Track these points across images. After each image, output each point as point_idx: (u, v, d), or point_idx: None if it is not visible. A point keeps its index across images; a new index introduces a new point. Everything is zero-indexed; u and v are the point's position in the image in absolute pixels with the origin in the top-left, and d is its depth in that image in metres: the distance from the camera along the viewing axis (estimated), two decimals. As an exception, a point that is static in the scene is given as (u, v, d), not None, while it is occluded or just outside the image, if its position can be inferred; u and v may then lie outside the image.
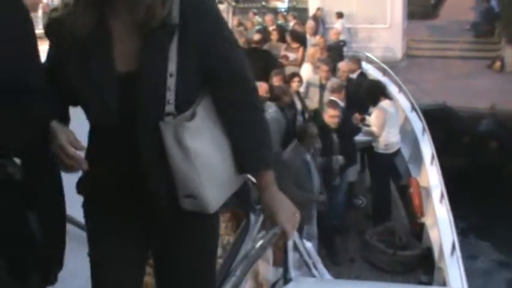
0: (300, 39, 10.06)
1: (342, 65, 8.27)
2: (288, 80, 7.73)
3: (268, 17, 12.49)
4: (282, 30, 10.59)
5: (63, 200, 1.76)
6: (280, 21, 14.04)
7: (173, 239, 1.78)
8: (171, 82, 1.56)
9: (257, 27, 12.48)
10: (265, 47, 9.93)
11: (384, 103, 7.05)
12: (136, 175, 1.62)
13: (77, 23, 1.54)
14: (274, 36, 9.97)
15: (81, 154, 1.69)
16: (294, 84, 7.30)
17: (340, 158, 6.33)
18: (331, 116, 6.26)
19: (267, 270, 3.52)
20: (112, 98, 1.58)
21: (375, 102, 7.09)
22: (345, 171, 6.81)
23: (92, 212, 1.79)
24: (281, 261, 3.37)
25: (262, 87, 6.53)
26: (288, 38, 9.80)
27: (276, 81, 7.08)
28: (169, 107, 1.57)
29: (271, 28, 11.21)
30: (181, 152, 1.58)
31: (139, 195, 1.66)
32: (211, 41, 1.62)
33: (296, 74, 7.88)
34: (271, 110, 6.54)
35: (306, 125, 6.28)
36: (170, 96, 1.57)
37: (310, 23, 11.78)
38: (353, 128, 6.97)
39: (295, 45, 9.66)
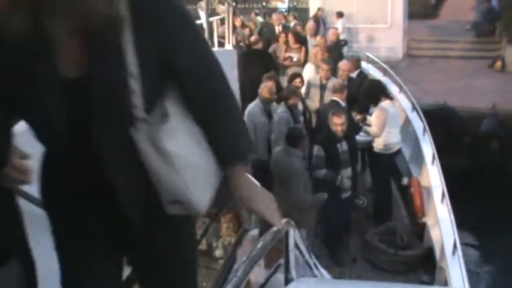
0: (301, 40, 10.09)
1: (342, 65, 8.27)
2: (289, 80, 7.76)
3: (275, 17, 12.62)
4: (287, 32, 10.61)
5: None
6: (282, 21, 14.05)
7: (147, 250, 1.71)
8: (135, 84, 1.41)
9: (258, 29, 12.51)
10: (271, 48, 9.98)
11: (385, 103, 7.04)
12: (103, 186, 1.50)
13: (9, 28, 1.29)
14: (282, 38, 9.96)
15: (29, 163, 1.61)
16: (296, 85, 7.34)
17: (349, 171, 6.02)
18: (336, 124, 5.96)
19: (258, 273, 3.51)
20: (58, 109, 1.40)
21: (375, 102, 7.08)
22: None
23: (59, 213, 1.65)
24: (273, 263, 3.38)
25: (267, 88, 6.60)
26: (290, 39, 9.81)
27: (264, 86, 7.07)
28: (138, 112, 1.43)
29: (277, 29, 11.29)
30: (161, 158, 1.47)
31: (106, 205, 1.55)
32: (173, 38, 1.49)
33: (298, 75, 7.91)
34: (280, 110, 6.61)
35: (300, 128, 6.14)
36: (137, 99, 1.42)
37: (309, 24, 11.81)
38: (354, 127, 6.96)
39: (295, 45, 9.69)
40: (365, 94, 7.43)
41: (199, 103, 1.58)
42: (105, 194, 1.51)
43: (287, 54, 9.66)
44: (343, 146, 6.02)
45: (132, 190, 1.52)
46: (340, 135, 5.96)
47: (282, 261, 3.26)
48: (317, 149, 6.00)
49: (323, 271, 3.88)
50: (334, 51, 10.14)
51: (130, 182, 1.51)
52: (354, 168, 6.24)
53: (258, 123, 6.50)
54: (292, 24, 13.64)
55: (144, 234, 1.62)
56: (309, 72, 8.41)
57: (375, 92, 7.17)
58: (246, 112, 6.55)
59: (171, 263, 1.76)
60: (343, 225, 6.55)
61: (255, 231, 3.81)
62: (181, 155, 1.50)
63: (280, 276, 3.35)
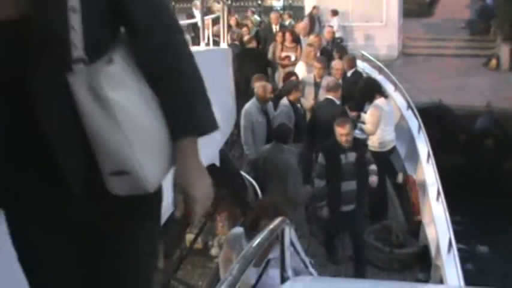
0: (297, 39, 10.11)
1: (336, 63, 8.26)
2: (284, 79, 7.78)
3: (273, 15, 12.51)
4: (284, 31, 10.61)
5: None
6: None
7: (93, 237, 1.42)
8: (75, 19, 1.20)
9: (255, 29, 12.45)
10: (270, 47, 9.98)
11: (379, 101, 7.06)
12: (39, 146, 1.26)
13: None
14: (280, 37, 9.97)
15: None
16: (286, 87, 7.36)
17: (351, 184, 5.78)
18: (341, 135, 5.71)
19: (247, 273, 3.51)
20: None
21: (370, 100, 7.11)
22: None
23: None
24: (261, 262, 3.38)
25: (262, 87, 6.63)
26: (287, 38, 9.81)
27: (259, 83, 7.10)
28: (78, 52, 1.21)
29: (274, 28, 11.26)
30: (100, 107, 1.22)
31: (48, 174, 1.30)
32: None
33: (293, 73, 7.93)
34: (281, 104, 6.65)
35: (286, 124, 6.17)
36: (76, 37, 1.21)
37: (302, 24, 11.81)
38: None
39: (291, 45, 9.69)
40: (360, 92, 7.45)
41: (150, 57, 1.33)
42: (43, 156, 1.26)
43: (284, 54, 9.66)
44: (348, 158, 5.71)
45: (70, 147, 1.26)
46: (345, 146, 5.71)
47: (271, 256, 3.26)
48: (321, 157, 5.90)
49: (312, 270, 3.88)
50: (331, 49, 10.17)
51: (68, 136, 1.26)
52: (362, 181, 5.84)
53: (255, 122, 6.52)
54: (287, 22, 13.64)
55: (88, 214, 1.36)
56: (300, 71, 8.41)
57: (370, 90, 7.19)
58: (243, 111, 6.57)
59: (117, 260, 1.45)
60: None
61: (238, 229, 3.81)
62: (125, 107, 1.24)
63: (271, 272, 3.34)
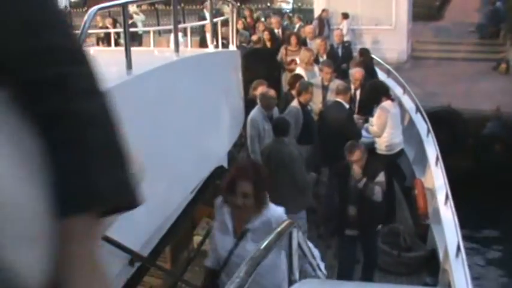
0: (302, 42, 10.13)
1: (355, 72, 8.12)
2: (290, 82, 7.78)
3: (274, 20, 12.45)
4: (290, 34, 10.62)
5: None
6: (286, 22, 14.06)
7: None
8: None
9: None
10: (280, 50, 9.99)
11: (386, 103, 7.08)
12: None
13: None
14: (294, 40, 9.95)
15: None
16: (297, 88, 7.34)
17: (354, 209, 5.57)
18: (351, 161, 5.55)
19: (224, 242, 3.50)
20: None
21: (377, 103, 7.13)
22: None
23: None
24: (239, 233, 3.39)
25: (271, 92, 6.66)
26: (292, 41, 9.80)
27: (260, 90, 7.08)
28: None
29: (276, 32, 11.24)
30: None
31: None
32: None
33: (300, 76, 7.93)
34: (292, 105, 6.68)
35: (283, 117, 6.33)
36: None
37: (308, 27, 11.77)
38: (356, 133, 6.95)
39: (295, 48, 9.67)
40: (366, 95, 7.44)
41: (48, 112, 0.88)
42: None
43: (289, 58, 9.65)
44: (358, 184, 5.49)
45: None
46: (357, 174, 5.50)
47: (249, 227, 3.31)
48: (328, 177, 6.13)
49: (320, 273, 3.87)
50: (337, 53, 10.17)
51: None
52: (366, 208, 5.56)
53: (261, 130, 6.51)
54: (297, 26, 13.66)
55: None
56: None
57: (376, 93, 7.20)
58: (250, 120, 6.55)
59: None
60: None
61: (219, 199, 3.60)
62: None
63: (249, 246, 3.25)
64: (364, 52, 9.99)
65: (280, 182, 5.52)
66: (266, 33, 11.13)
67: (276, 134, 5.94)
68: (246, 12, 13.76)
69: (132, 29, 11.20)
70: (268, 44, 10.69)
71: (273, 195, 5.43)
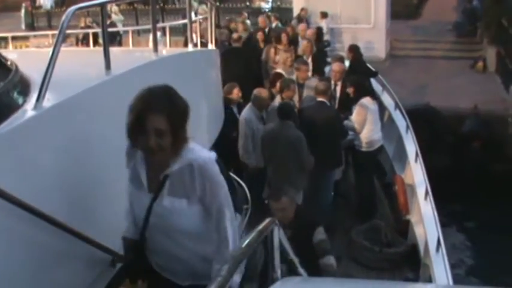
0: (293, 41, 10.13)
1: (336, 66, 8.21)
2: (271, 81, 7.80)
3: (261, 19, 12.52)
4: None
5: None
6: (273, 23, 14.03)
7: None
8: None
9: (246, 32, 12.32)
10: (265, 50, 9.96)
11: (365, 100, 7.14)
12: None
13: None
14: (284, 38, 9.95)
15: None
16: (279, 85, 7.38)
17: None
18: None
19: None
20: None
21: (356, 100, 7.20)
22: (332, 172, 6.89)
23: None
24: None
25: (264, 92, 6.87)
26: (283, 41, 9.76)
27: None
28: None
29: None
30: None
31: None
32: None
33: (280, 74, 7.96)
34: (275, 102, 6.84)
35: (288, 103, 6.76)
36: None
37: (303, 25, 11.76)
38: (343, 131, 6.99)
39: (284, 47, 9.65)
40: (346, 93, 7.53)
41: None
42: None
43: (278, 57, 9.59)
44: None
45: None
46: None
47: (167, 172, 2.65)
48: None
49: (301, 270, 3.88)
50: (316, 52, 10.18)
51: None
52: None
53: (255, 130, 6.56)
54: (273, 24, 13.65)
55: None
56: None
57: (363, 93, 7.31)
58: (243, 120, 6.64)
59: None
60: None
61: None
62: None
63: (178, 203, 2.76)
64: (354, 48, 10.00)
65: (286, 162, 6.09)
66: (260, 33, 11.06)
67: (280, 117, 6.25)
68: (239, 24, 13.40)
69: (110, 29, 11.12)
70: (262, 45, 10.64)
71: (279, 175, 6.05)
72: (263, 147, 6.38)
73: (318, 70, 9.28)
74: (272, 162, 6.28)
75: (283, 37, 9.88)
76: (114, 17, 16.76)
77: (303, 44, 9.99)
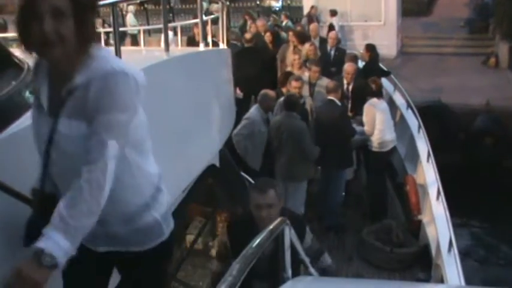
0: (306, 40, 10.04)
1: (348, 66, 8.13)
2: (281, 80, 7.79)
3: (260, 23, 11.82)
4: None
5: None
6: (270, 22, 13.90)
7: None
8: None
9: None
10: (281, 50, 9.86)
11: (372, 100, 7.12)
12: None
13: None
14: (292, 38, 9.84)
15: None
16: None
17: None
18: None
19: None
20: None
21: (363, 101, 7.20)
22: (342, 172, 6.93)
23: None
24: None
25: (271, 93, 6.91)
26: (296, 40, 9.66)
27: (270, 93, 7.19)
28: None
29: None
30: None
31: None
32: None
33: (290, 73, 7.94)
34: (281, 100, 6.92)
35: (295, 94, 6.86)
36: None
37: (314, 25, 11.60)
38: (350, 130, 6.97)
39: (301, 47, 9.55)
40: (354, 93, 7.51)
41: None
42: None
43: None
44: None
45: None
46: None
47: (68, 87, 2.06)
48: None
49: (312, 270, 3.86)
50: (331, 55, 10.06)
51: None
52: None
53: (257, 132, 6.56)
54: (284, 23, 13.58)
55: None
56: None
57: (364, 94, 7.30)
58: (247, 120, 6.61)
59: None
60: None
61: None
62: None
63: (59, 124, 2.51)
64: (371, 48, 9.86)
65: (290, 152, 6.29)
66: (268, 34, 10.90)
67: (286, 109, 6.45)
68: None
69: (122, 29, 11.14)
70: (271, 46, 10.49)
71: (282, 164, 6.26)
72: (270, 138, 6.56)
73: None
74: (279, 153, 6.48)
75: (294, 38, 9.71)
76: (130, 16, 16.69)
77: (305, 46, 9.50)
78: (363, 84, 7.65)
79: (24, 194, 2.20)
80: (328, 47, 10.08)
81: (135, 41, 13.52)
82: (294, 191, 6.50)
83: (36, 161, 2.34)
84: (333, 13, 15.23)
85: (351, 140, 6.98)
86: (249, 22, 12.49)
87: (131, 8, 16.75)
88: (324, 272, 3.97)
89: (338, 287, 3.99)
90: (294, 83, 7.24)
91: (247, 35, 10.22)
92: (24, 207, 2.19)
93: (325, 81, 7.58)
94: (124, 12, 16.52)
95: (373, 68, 9.31)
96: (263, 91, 6.91)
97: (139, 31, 12.57)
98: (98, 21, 14.76)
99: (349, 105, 7.91)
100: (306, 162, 6.47)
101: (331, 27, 13.34)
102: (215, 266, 3.85)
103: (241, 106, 7.41)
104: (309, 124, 6.89)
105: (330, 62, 9.65)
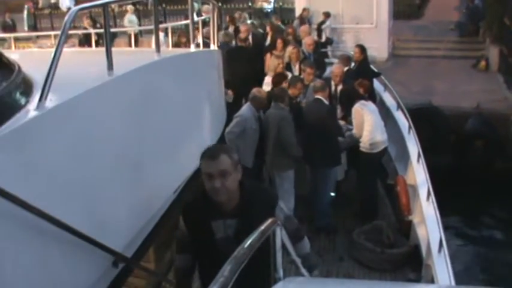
0: (298, 42, 10.06)
1: (336, 68, 8.16)
2: (275, 81, 7.80)
3: (244, 28, 10.93)
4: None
5: None
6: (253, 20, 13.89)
7: None
8: None
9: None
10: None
11: (360, 103, 7.16)
12: None
13: None
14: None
15: None
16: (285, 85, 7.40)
17: None
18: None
19: None
20: None
21: (351, 104, 7.23)
22: (330, 171, 6.93)
23: None
24: None
25: (263, 92, 6.95)
26: (278, 45, 9.60)
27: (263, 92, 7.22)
28: None
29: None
30: None
31: None
32: None
33: (284, 76, 7.96)
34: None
35: (283, 88, 7.12)
36: None
37: (305, 27, 11.62)
38: (337, 129, 7.01)
39: (279, 53, 9.52)
40: (342, 97, 7.54)
41: None
42: None
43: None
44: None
45: None
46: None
47: None
48: None
49: (304, 271, 3.87)
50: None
51: None
52: None
53: (249, 129, 6.56)
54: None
55: None
56: (267, 86, 8.20)
57: (350, 94, 7.34)
58: (240, 117, 6.61)
59: None
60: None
61: None
62: None
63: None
64: (363, 49, 9.84)
65: (273, 141, 6.53)
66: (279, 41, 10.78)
67: (274, 100, 6.70)
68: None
69: (113, 30, 11.11)
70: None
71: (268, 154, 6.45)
72: (264, 129, 6.71)
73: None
74: (267, 142, 6.70)
75: (279, 43, 9.60)
76: (128, 17, 16.62)
77: (288, 49, 9.32)
78: (350, 88, 7.70)
79: (15, 195, 2.21)
80: (306, 53, 9.77)
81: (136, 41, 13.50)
82: (281, 182, 6.61)
83: (27, 161, 2.34)
84: (326, 15, 15.31)
85: (339, 140, 7.02)
86: (230, 28, 12.46)
87: (131, 7, 16.68)
88: (304, 260, 3.75)
89: (329, 287, 4.00)
90: (308, 69, 7.95)
91: (242, 35, 10.20)
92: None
93: (313, 82, 7.63)
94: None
95: (364, 69, 9.36)
96: (254, 89, 6.94)
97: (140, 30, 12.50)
98: (87, 22, 14.79)
99: (338, 109, 7.93)
100: (285, 152, 6.57)
101: (319, 29, 13.33)
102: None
103: (232, 107, 7.42)
104: (302, 123, 6.91)
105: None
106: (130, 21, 16.47)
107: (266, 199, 3.25)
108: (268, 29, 12.11)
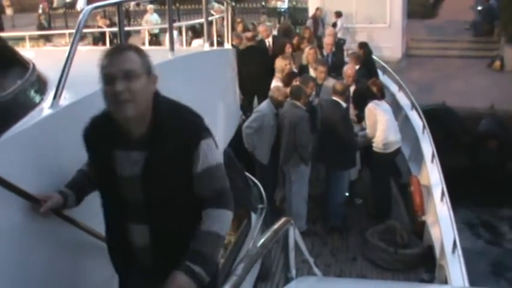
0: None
1: (348, 69, 8.07)
2: (286, 81, 7.78)
3: (262, 28, 11.14)
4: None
5: None
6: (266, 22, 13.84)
7: None
8: None
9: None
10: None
11: (373, 103, 7.11)
12: None
13: None
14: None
15: None
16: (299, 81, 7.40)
17: None
18: None
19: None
20: None
21: (364, 104, 7.18)
22: (344, 172, 6.93)
23: None
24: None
25: (279, 91, 6.96)
26: (287, 49, 9.56)
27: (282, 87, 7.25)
28: None
29: (267, 42, 10.75)
30: None
31: None
32: None
33: (295, 75, 7.94)
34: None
35: (299, 85, 6.97)
36: None
37: (330, 30, 11.49)
38: (351, 130, 6.98)
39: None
40: (354, 97, 7.52)
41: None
42: None
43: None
44: None
45: None
46: None
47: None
48: None
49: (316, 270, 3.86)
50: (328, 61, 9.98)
51: None
52: None
53: (266, 125, 6.58)
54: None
55: None
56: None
57: (364, 94, 7.29)
58: (258, 113, 6.65)
59: None
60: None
61: None
62: None
63: None
64: (363, 46, 9.88)
65: (288, 137, 6.50)
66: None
67: (291, 98, 6.68)
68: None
69: (127, 28, 11.15)
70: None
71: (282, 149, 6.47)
72: (280, 126, 6.70)
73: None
74: (281, 138, 6.67)
75: (287, 48, 9.47)
76: (148, 16, 16.62)
77: (305, 50, 9.31)
78: (364, 87, 7.64)
79: (30, 192, 2.22)
80: (325, 53, 9.76)
81: (157, 41, 13.56)
82: (296, 176, 6.63)
83: (41, 159, 2.35)
84: (338, 15, 15.26)
85: (354, 141, 6.99)
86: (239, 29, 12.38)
87: (151, 6, 16.63)
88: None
89: (342, 287, 3.99)
90: (320, 68, 7.93)
91: (249, 34, 10.17)
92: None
93: (331, 82, 7.58)
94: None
95: (370, 65, 9.35)
96: (274, 87, 6.98)
97: (160, 30, 12.41)
98: (102, 21, 14.86)
99: (351, 108, 7.86)
100: (296, 149, 6.56)
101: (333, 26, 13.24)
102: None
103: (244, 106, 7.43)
104: (317, 123, 6.90)
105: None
106: (147, 21, 16.43)
107: (188, 126, 2.40)
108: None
